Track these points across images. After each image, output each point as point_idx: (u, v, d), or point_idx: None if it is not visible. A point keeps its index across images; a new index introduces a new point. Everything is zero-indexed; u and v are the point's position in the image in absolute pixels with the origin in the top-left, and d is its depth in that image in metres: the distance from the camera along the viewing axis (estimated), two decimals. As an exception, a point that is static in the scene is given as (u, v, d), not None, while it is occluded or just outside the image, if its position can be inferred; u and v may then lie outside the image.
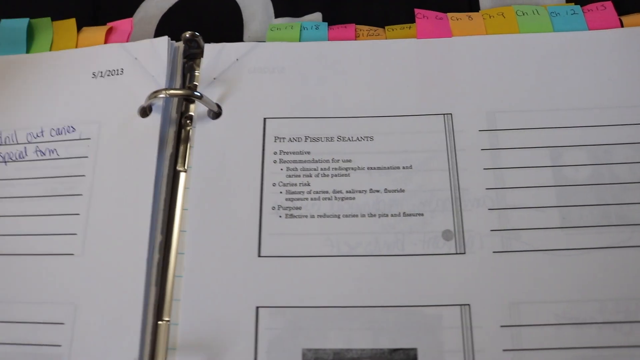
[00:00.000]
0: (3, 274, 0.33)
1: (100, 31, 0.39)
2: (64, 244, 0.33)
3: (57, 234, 0.33)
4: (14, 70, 0.38)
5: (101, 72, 0.37)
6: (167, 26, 0.42)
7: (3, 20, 0.40)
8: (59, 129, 0.36)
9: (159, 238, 0.33)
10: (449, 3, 0.41)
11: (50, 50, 0.39)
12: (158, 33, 0.42)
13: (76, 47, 0.39)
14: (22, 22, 0.39)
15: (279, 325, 0.31)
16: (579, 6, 0.38)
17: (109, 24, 0.40)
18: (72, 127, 0.36)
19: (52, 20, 0.40)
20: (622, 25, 0.37)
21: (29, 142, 0.36)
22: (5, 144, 0.36)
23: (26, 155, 0.36)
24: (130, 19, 0.40)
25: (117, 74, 0.37)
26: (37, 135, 0.36)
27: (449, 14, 0.38)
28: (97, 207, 0.34)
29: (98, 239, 0.33)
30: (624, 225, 0.32)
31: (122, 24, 0.40)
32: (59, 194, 0.34)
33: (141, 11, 0.43)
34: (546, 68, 0.36)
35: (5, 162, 0.36)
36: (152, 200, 0.33)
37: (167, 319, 0.32)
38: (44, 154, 0.36)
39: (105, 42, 0.39)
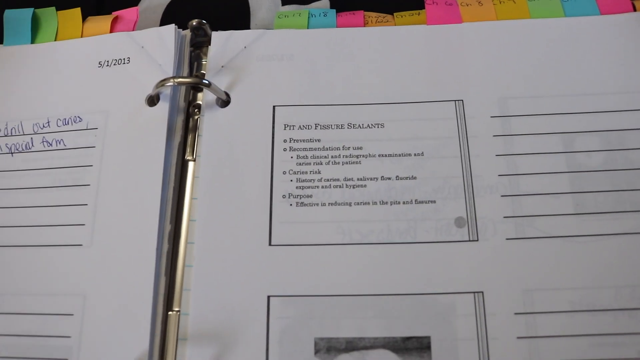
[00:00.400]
0: (11, 265, 0.33)
1: (105, 20, 0.39)
2: (72, 235, 0.33)
3: (65, 225, 0.33)
4: (19, 60, 0.38)
5: (107, 62, 0.37)
6: (173, 15, 0.42)
7: (7, 11, 0.39)
8: (65, 119, 0.36)
9: (168, 228, 0.33)
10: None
11: (56, 40, 0.39)
12: (164, 22, 0.41)
13: (81, 36, 0.38)
14: (27, 12, 0.39)
15: (291, 314, 0.30)
16: (590, -10, 0.37)
17: (114, 13, 0.39)
18: (79, 117, 0.36)
19: (57, 10, 0.40)
20: (634, 9, 0.37)
21: (36, 133, 0.36)
22: (12, 135, 0.36)
23: (32, 146, 0.35)
24: (136, 7, 0.39)
25: (124, 63, 0.37)
26: (44, 126, 0.36)
27: (459, 0, 0.38)
28: (105, 197, 0.33)
29: (106, 229, 0.32)
30: (638, 212, 0.31)
31: (127, 13, 0.39)
32: (67, 185, 0.34)
33: (146, 0, 0.42)
34: (558, 53, 0.35)
35: (11, 153, 0.35)
36: (160, 190, 0.33)
37: (177, 309, 0.31)
38: (51, 145, 0.35)
39: (111, 31, 0.38)
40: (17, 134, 0.36)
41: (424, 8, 0.38)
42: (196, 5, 0.42)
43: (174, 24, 0.37)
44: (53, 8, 0.39)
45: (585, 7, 0.37)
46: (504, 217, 0.32)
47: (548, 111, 0.34)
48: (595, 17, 0.36)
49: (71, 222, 0.33)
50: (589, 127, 0.33)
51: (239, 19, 0.41)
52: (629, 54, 0.35)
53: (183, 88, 0.36)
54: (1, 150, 0.35)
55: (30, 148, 0.35)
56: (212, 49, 0.37)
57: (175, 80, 0.34)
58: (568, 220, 0.32)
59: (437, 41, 0.36)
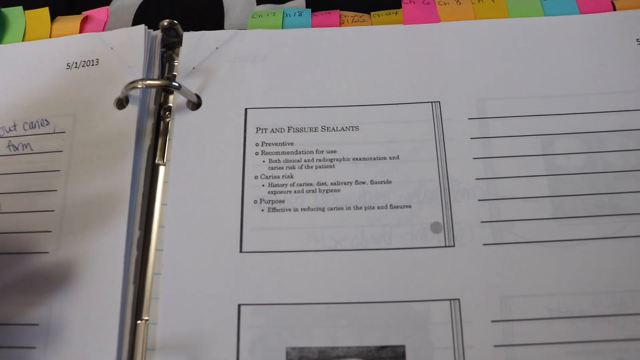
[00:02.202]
0: None
1: (74, 20, 0.38)
2: (38, 242, 0.32)
3: (31, 232, 0.32)
4: (-14, 62, 0.37)
5: (76, 63, 0.36)
6: (145, 15, 0.41)
7: None
8: (32, 122, 0.35)
9: (137, 234, 0.32)
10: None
11: (23, 40, 0.38)
12: (136, 22, 0.41)
13: (50, 37, 0.38)
14: (-7, 12, 0.38)
15: (262, 323, 0.30)
16: (570, -11, 0.37)
17: (84, 13, 0.38)
18: (46, 120, 0.35)
19: (25, 9, 0.39)
20: (614, 9, 0.36)
21: (1, 137, 0.35)
22: (-23, 139, 0.35)
23: None
24: (106, 7, 0.39)
25: (92, 65, 0.36)
26: (10, 129, 0.35)
27: (437, -1, 0.37)
28: (73, 203, 0.32)
29: (74, 236, 0.32)
30: (617, 215, 0.31)
31: (97, 13, 0.38)
32: (33, 190, 0.33)
33: (118, 0, 0.41)
34: (537, 53, 0.35)
35: (-24, 157, 0.34)
36: (129, 195, 0.32)
37: (146, 318, 0.31)
38: (17, 149, 0.34)
39: (80, 31, 0.37)
40: (-17, 138, 0.35)
41: (401, 7, 0.37)
42: (169, 5, 0.41)
43: (143, 25, 0.36)
44: (20, 7, 0.38)
45: (565, 6, 0.36)
46: (481, 222, 0.31)
47: (526, 113, 0.33)
48: (575, 17, 0.36)
49: (37, 228, 0.32)
50: (568, 129, 0.33)
51: (213, 19, 0.40)
52: (608, 54, 0.35)
53: (153, 90, 0.35)
54: (-34, 156, 0.35)
55: None
56: (183, 50, 0.36)
57: (144, 82, 0.33)
58: (547, 225, 0.31)
59: (413, 41, 0.36)
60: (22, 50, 0.37)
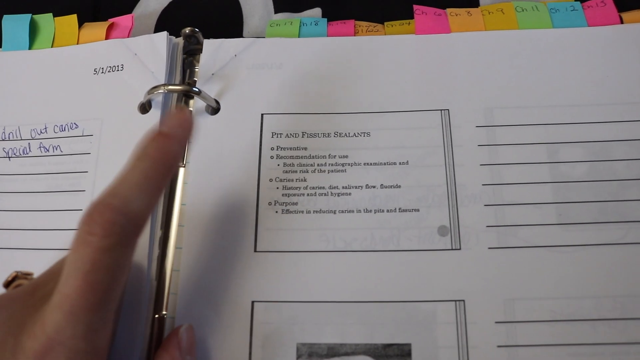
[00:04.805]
0: (5, 267, 0.33)
1: (101, 27, 0.39)
2: (68, 240, 0.33)
3: (60, 230, 0.34)
4: (16, 66, 0.39)
5: (102, 69, 0.37)
6: (167, 21, 0.42)
7: (5, 16, 0.40)
8: (62, 125, 0.36)
9: (158, 233, 0.33)
10: (449, -1, 0.41)
11: (52, 46, 0.39)
12: (158, 28, 0.42)
13: (77, 43, 0.39)
14: (25, 18, 0.40)
15: (274, 319, 0.31)
16: (578, 2, 0.38)
17: (110, 20, 0.40)
18: (75, 123, 0.36)
19: (54, 15, 0.40)
20: (622, 22, 0.37)
21: (33, 138, 0.36)
22: (9, 140, 0.36)
23: (30, 151, 0.36)
24: (131, 14, 0.40)
25: (118, 70, 0.37)
26: (41, 132, 0.36)
27: (448, 10, 0.38)
28: None
29: None
30: (621, 222, 0.32)
31: (123, 20, 0.40)
32: (63, 190, 0.35)
33: (141, 6, 0.43)
34: (544, 64, 0.36)
35: (9, 157, 0.36)
36: (151, 196, 0.33)
37: (164, 312, 0.32)
38: (48, 150, 0.36)
39: (106, 38, 0.39)
40: (15, 138, 0.36)
41: (414, 18, 0.38)
42: (190, 12, 0.43)
43: (165, 32, 0.38)
44: (50, 14, 0.40)
45: (574, 19, 0.37)
46: (487, 226, 0.32)
47: (533, 121, 0.34)
48: (583, 29, 0.37)
49: (67, 227, 0.34)
50: (573, 137, 0.34)
51: (233, 26, 0.42)
52: (614, 66, 0.35)
53: (174, 95, 0.37)
54: (-2, 153, 0.36)
55: (27, 153, 0.36)
56: (204, 57, 0.37)
57: (167, 87, 0.34)
58: (551, 230, 0.32)
59: (425, 51, 0.37)
60: (52, 56, 0.39)
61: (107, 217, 0.23)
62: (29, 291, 0.25)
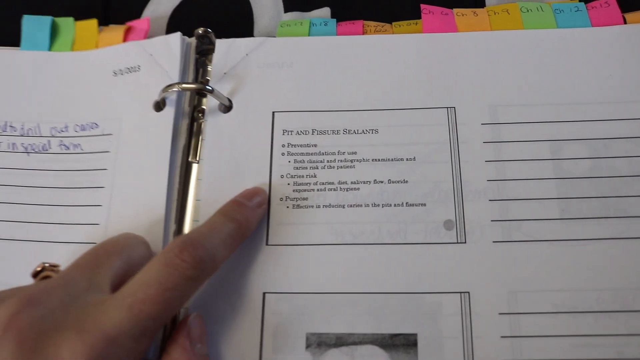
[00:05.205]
0: (26, 259, 0.34)
1: (119, 30, 0.40)
2: (87, 234, 0.35)
3: (80, 224, 0.35)
4: (36, 66, 0.40)
5: (121, 70, 0.38)
6: (179, 21, 0.43)
7: (25, 16, 0.41)
8: (83, 125, 0.37)
9: (173, 227, 0.35)
10: (456, -1, 0.41)
11: (72, 49, 0.40)
12: (170, 28, 0.43)
13: (97, 46, 0.40)
14: (45, 20, 0.41)
15: (285, 310, 0.32)
16: (582, 3, 0.38)
17: (128, 24, 0.41)
18: (95, 123, 0.37)
19: (64, 14, 0.41)
20: (625, 22, 0.38)
21: (53, 136, 0.37)
22: (28, 136, 0.38)
23: (50, 148, 0.37)
24: (147, 18, 0.41)
25: (135, 71, 0.38)
26: (62, 130, 0.37)
27: (455, 10, 0.39)
28: (118, 198, 0.35)
29: (119, 228, 0.34)
30: (622, 218, 0.33)
31: (139, 23, 0.41)
32: (83, 187, 0.36)
33: (152, 6, 0.44)
34: (549, 63, 0.37)
35: (27, 152, 0.37)
36: (166, 191, 0.35)
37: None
38: (68, 148, 0.37)
39: (124, 40, 0.40)
40: (34, 135, 0.38)
41: (421, 18, 0.39)
42: (201, 12, 0.43)
43: (179, 32, 0.39)
44: (71, 18, 0.41)
45: (577, 20, 0.38)
46: (492, 220, 0.33)
47: (537, 119, 0.35)
48: (587, 29, 0.37)
49: (87, 221, 0.35)
50: (576, 135, 0.34)
51: (244, 25, 0.42)
52: (617, 65, 0.36)
53: (188, 93, 0.38)
54: (17, 148, 0.37)
55: (47, 150, 0.37)
56: (216, 56, 0.38)
57: (181, 86, 0.35)
58: (553, 225, 0.33)
59: (432, 50, 0.38)
60: (73, 58, 0.40)
61: (198, 253, 0.28)
62: (62, 285, 0.27)
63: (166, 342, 0.29)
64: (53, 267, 0.30)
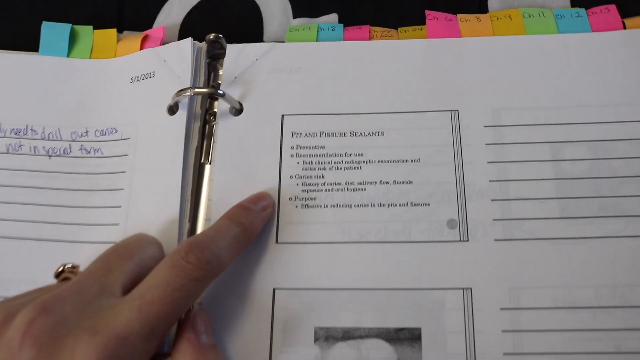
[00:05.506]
0: (50, 258, 0.35)
1: (136, 39, 0.42)
2: (108, 234, 0.36)
3: (101, 225, 0.36)
4: (55, 71, 0.41)
5: (137, 77, 0.40)
6: (190, 27, 0.45)
7: (44, 23, 0.42)
8: (103, 130, 0.39)
9: (187, 226, 0.36)
10: (460, 5, 0.42)
11: (90, 56, 0.42)
12: (182, 34, 0.44)
13: (115, 54, 0.42)
14: (65, 27, 0.42)
15: (294, 305, 0.33)
16: (583, 9, 0.39)
17: (144, 33, 0.43)
18: (115, 128, 0.39)
19: (80, 21, 0.43)
20: (624, 27, 0.39)
21: (74, 140, 0.39)
22: (49, 139, 0.39)
23: (70, 151, 0.39)
24: (162, 26, 0.43)
25: (150, 77, 0.40)
26: (82, 135, 0.39)
27: (459, 16, 0.40)
28: (136, 199, 0.36)
29: (137, 228, 0.35)
30: (620, 217, 0.34)
31: (155, 32, 0.42)
32: (103, 189, 0.37)
33: (164, 12, 0.45)
34: (549, 68, 0.38)
35: (49, 156, 0.39)
36: (180, 192, 0.36)
37: (193, 300, 0.34)
38: (89, 152, 0.38)
39: (141, 48, 0.41)
40: (55, 139, 0.39)
41: (426, 23, 0.40)
42: (212, 18, 0.45)
43: (190, 38, 0.40)
44: (90, 27, 0.43)
45: (578, 25, 0.39)
46: (494, 219, 0.34)
47: (538, 122, 0.36)
48: (587, 34, 0.38)
49: (107, 222, 0.36)
50: (576, 137, 0.36)
51: (253, 30, 0.44)
52: (616, 69, 0.37)
53: (200, 97, 0.39)
54: (38, 152, 0.39)
55: (68, 153, 0.38)
56: (227, 61, 0.40)
57: (193, 90, 0.37)
58: (554, 224, 0.34)
59: (436, 54, 0.39)
60: (92, 66, 0.41)
61: (204, 255, 0.29)
62: (75, 291, 0.28)
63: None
64: (72, 268, 0.32)
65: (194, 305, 0.33)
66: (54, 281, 0.32)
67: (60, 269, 0.32)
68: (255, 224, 0.34)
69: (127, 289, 0.29)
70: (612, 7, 0.39)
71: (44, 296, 0.27)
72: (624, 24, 0.39)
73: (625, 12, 0.39)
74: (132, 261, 0.30)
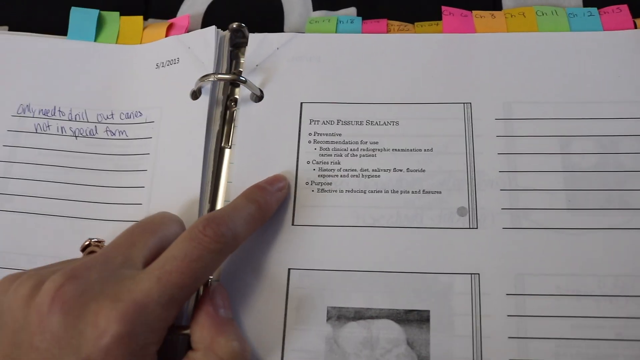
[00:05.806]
0: (76, 235, 0.36)
1: (162, 27, 0.43)
2: (131, 212, 0.37)
3: (124, 204, 0.38)
4: (82, 55, 0.43)
5: (162, 63, 0.41)
6: (213, 17, 0.46)
7: (74, 8, 0.44)
8: (128, 113, 0.40)
9: (207, 207, 0.37)
10: (475, 1, 0.43)
11: (117, 42, 0.43)
12: (205, 23, 0.46)
13: (141, 41, 0.43)
14: (93, 13, 0.44)
15: (308, 285, 0.34)
16: (595, 8, 0.41)
17: (169, 21, 0.44)
18: (139, 112, 0.40)
19: (108, 9, 0.45)
20: (635, 27, 0.40)
21: (99, 122, 0.40)
22: (75, 120, 0.40)
23: (96, 133, 0.40)
24: (187, 15, 0.44)
25: (175, 63, 0.41)
26: (108, 117, 0.40)
27: (474, 12, 0.42)
28: (159, 180, 0.38)
29: (159, 208, 0.36)
30: (625, 210, 0.35)
31: (180, 20, 0.44)
32: (127, 169, 0.39)
33: (189, 1, 0.47)
34: (561, 64, 0.39)
35: (75, 136, 0.40)
36: (201, 174, 0.37)
37: (210, 277, 0.35)
38: (114, 134, 0.40)
39: (166, 36, 0.43)
40: (81, 120, 0.40)
41: (442, 19, 0.41)
42: (234, 8, 0.46)
43: (214, 26, 0.41)
44: (117, 13, 0.44)
45: (590, 24, 0.40)
46: (502, 208, 0.35)
47: (548, 116, 0.37)
48: (598, 33, 0.40)
49: (130, 201, 0.38)
50: (585, 131, 0.37)
51: (275, 21, 0.45)
52: (627, 66, 0.38)
53: (222, 83, 0.40)
54: (65, 132, 0.40)
55: (94, 135, 0.40)
56: (249, 49, 0.41)
57: (216, 76, 0.38)
58: (560, 214, 0.35)
59: (451, 49, 0.40)
60: (119, 51, 0.43)
61: (221, 229, 0.30)
62: (100, 261, 0.30)
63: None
64: (98, 242, 0.34)
65: (212, 282, 0.35)
66: (79, 256, 0.34)
67: (87, 243, 0.34)
68: (270, 203, 0.35)
69: (149, 262, 0.30)
70: (624, 7, 0.40)
71: (72, 264, 0.29)
72: (635, 23, 0.40)
73: (637, 12, 0.40)
74: (155, 236, 0.32)
